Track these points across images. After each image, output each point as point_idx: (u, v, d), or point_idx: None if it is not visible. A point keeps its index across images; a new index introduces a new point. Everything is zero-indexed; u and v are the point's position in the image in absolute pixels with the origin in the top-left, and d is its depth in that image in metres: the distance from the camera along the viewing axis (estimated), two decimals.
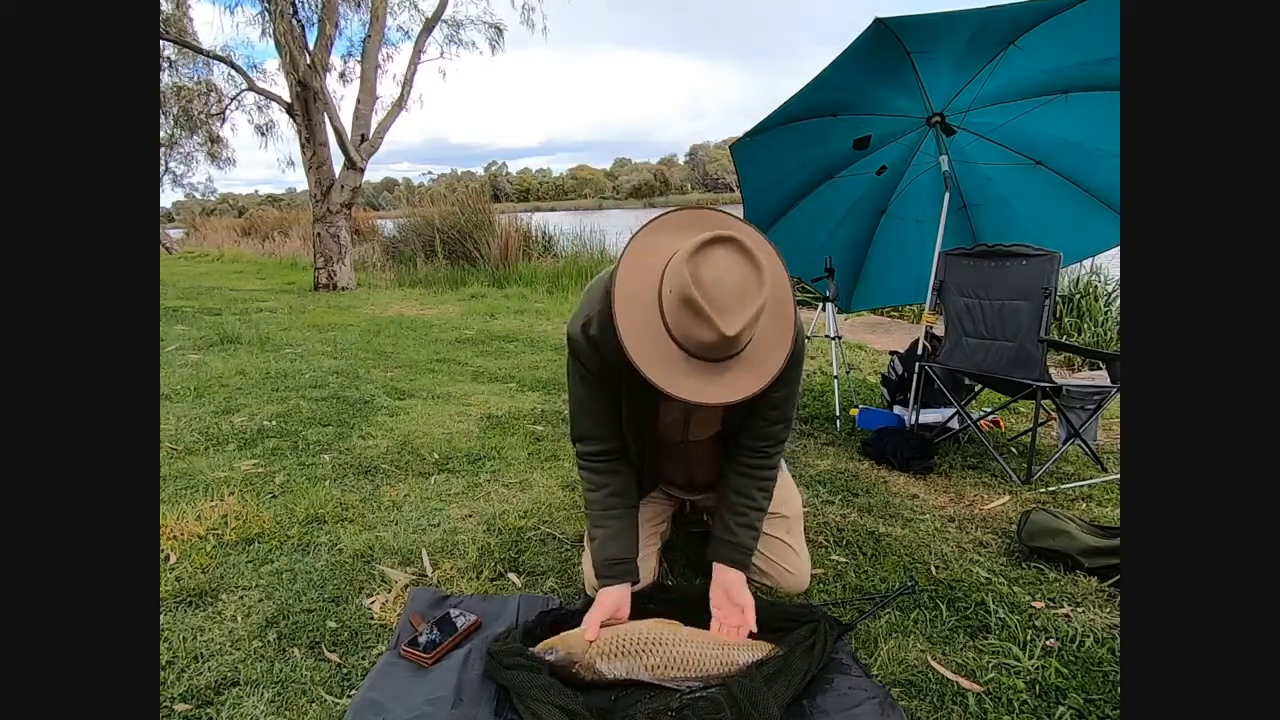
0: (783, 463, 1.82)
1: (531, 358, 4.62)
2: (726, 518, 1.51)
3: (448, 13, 9.42)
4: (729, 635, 1.40)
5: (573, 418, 1.53)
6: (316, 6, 8.80)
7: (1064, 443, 2.63)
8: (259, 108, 11.02)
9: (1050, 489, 2.40)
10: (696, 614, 1.46)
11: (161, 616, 1.54)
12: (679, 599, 1.56)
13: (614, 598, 1.43)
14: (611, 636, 1.34)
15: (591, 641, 1.34)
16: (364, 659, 1.42)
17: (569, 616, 1.47)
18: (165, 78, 10.85)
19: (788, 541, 1.67)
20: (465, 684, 1.33)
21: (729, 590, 1.46)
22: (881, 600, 1.63)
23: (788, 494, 1.75)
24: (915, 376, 2.97)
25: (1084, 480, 2.47)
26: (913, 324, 6.06)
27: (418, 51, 9.24)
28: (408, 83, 9.24)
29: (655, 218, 1.31)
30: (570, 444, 1.57)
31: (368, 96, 9.01)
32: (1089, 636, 1.47)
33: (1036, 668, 1.38)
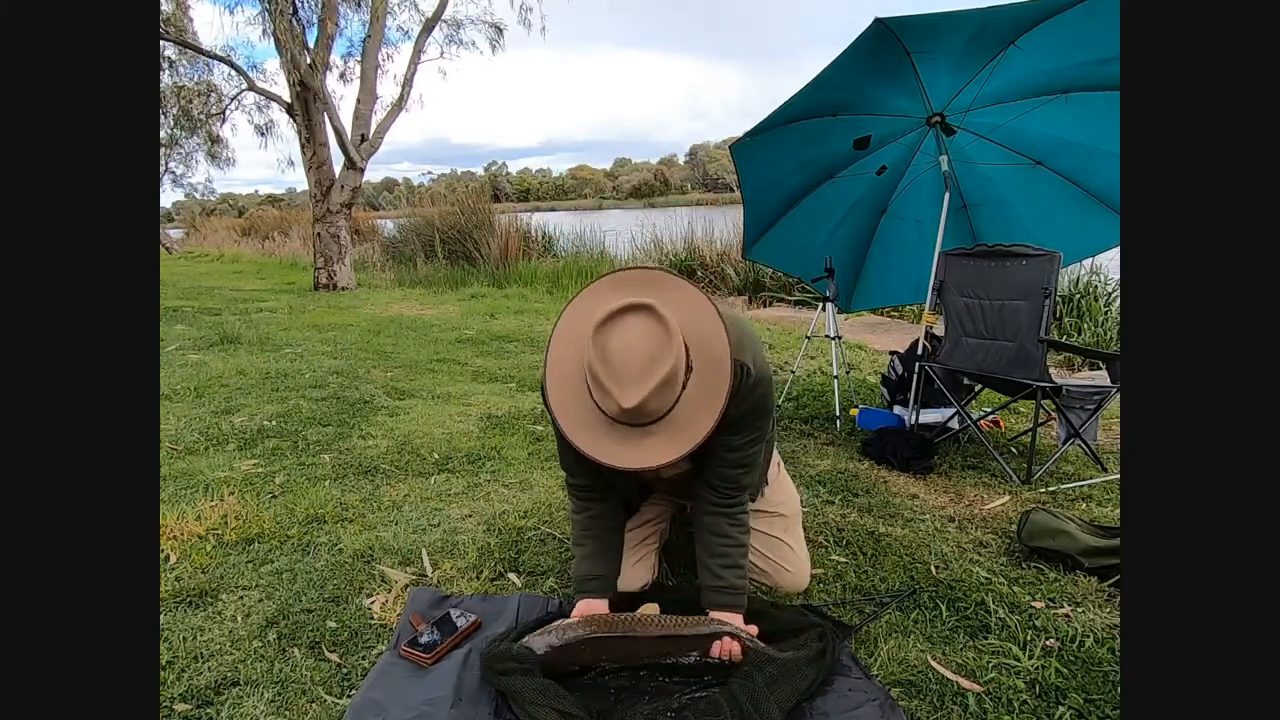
0: (781, 462, 1.82)
1: (531, 358, 4.62)
2: (709, 563, 1.46)
3: (448, 13, 9.42)
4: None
5: (560, 457, 1.54)
6: (316, 6, 8.80)
7: (1064, 443, 2.63)
8: (259, 108, 11.04)
9: (1050, 489, 2.40)
10: (696, 614, 1.46)
11: (161, 616, 1.54)
12: (679, 599, 1.56)
13: (591, 609, 1.45)
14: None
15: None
16: (364, 659, 1.42)
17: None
18: (165, 78, 10.86)
19: (786, 540, 1.67)
20: (465, 684, 1.33)
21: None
22: (881, 602, 1.63)
23: (786, 493, 1.75)
24: (915, 376, 2.97)
25: (1084, 480, 2.47)
26: (913, 324, 6.06)
27: (418, 51, 9.24)
28: (408, 83, 9.25)
29: (593, 281, 1.35)
30: None
31: (368, 96, 9.01)
32: (1089, 636, 1.47)
33: (1036, 668, 1.38)
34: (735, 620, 1.40)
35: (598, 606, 1.46)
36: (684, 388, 1.24)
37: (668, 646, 1.36)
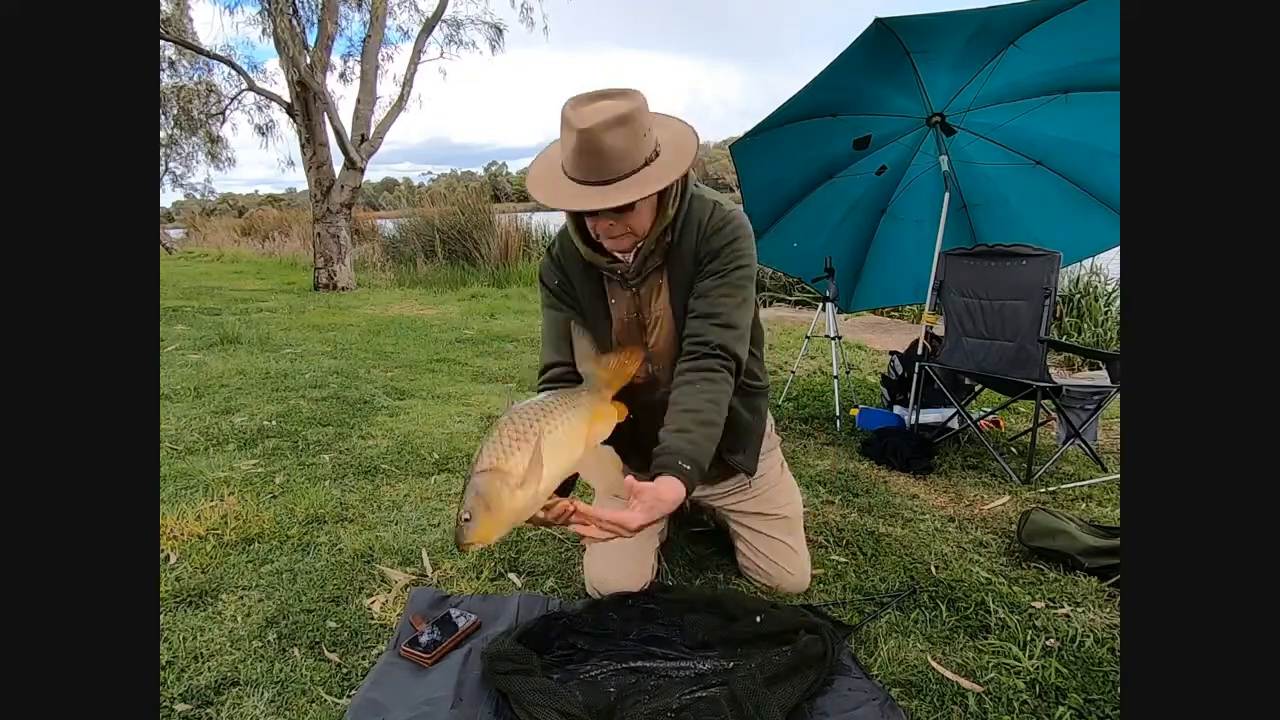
0: (784, 463, 1.82)
1: (532, 358, 4.62)
2: (664, 432, 1.27)
3: (448, 12, 9.43)
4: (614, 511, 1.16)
5: (541, 360, 1.54)
6: (316, 6, 8.80)
7: (1064, 443, 2.63)
8: (259, 108, 11.05)
9: (1050, 489, 2.40)
10: (698, 615, 1.46)
11: (161, 616, 1.54)
12: (679, 599, 1.56)
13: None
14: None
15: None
16: (364, 659, 1.42)
17: (568, 619, 1.47)
18: (165, 78, 10.86)
19: (788, 542, 1.67)
20: (465, 684, 1.33)
21: (652, 492, 1.18)
22: (881, 602, 1.63)
23: (788, 494, 1.74)
24: (915, 376, 2.97)
25: (1084, 480, 2.47)
26: (913, 324, 6.06)
27: (418, 51, 9.25)
28: (408, 83, 9.25)
29: None
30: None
31: (368, 96, 9.02)
32: (1089, 636, 1.47)
33: (1036, 668, 1.38)
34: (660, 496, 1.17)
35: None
36: (647, 164, 1.29)
37: None
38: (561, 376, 1.47)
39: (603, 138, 1.23)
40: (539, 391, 1.41)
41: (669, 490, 1.18)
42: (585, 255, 1.44)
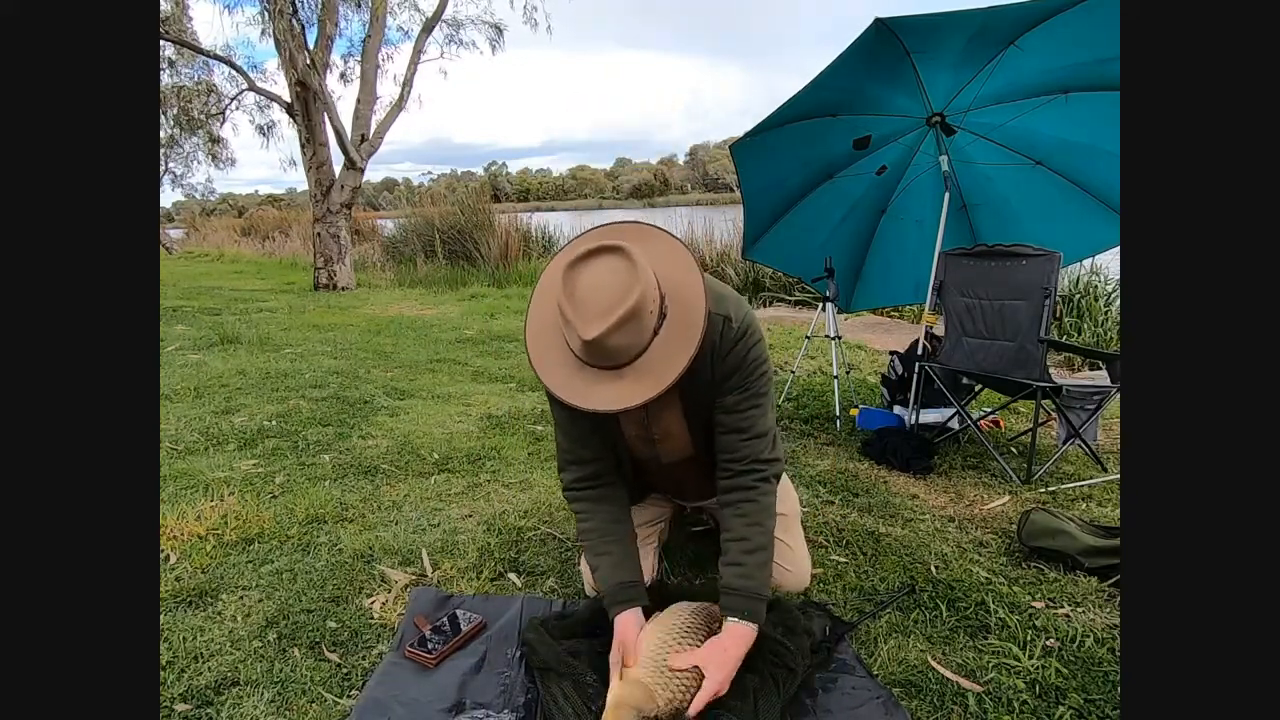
0: None
1: None
2: (721, 565, 1.39)
3: (448, 12, 9.43)
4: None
5: (558, 447, 1.51)
6: (316, 6, 8.80)
7: (1064, 443, 2.63)
8: (259, 108, 11.06)
9: (1050, 489, 2.40)
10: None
11: (161, 616, 1.54)
12: (679, 599, 1.56)
13: (633, 623, 1.35)
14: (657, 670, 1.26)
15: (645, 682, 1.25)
16: (364, 659, 1.42)
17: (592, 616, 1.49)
18: (165, 78, 10.86)
19: (785, 540, 1.66)
20: (469, 685, 1.34)
21: (713, 649, 1.29)
22: (881, 602, 1.63)
23: (784, 492, 1.74)
24: (915, 376, 2.97)
25: (1084, 480, 2.47)
26: (913, 324, 6.06)
27: (418, 51, 9.24)
28: (408, 83, 9.25)
29: (581, 234, 1.33)
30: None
31: (368, 96, 9.02)
32: (1089, 636, 1.47)
33: (1036, 668, 1.38)
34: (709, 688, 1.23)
35: (638, 620, 1.36)
36: (656, 334, 1.22)
37: None
38: (595, 475, 1.47)
39: (608, 340, 1.16)
40: (573, 489, 1.49)
41: (734, 645, 1.28)
42: None
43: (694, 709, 1.20)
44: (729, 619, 1.31)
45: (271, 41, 8.45)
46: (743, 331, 1.34)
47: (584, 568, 1.65)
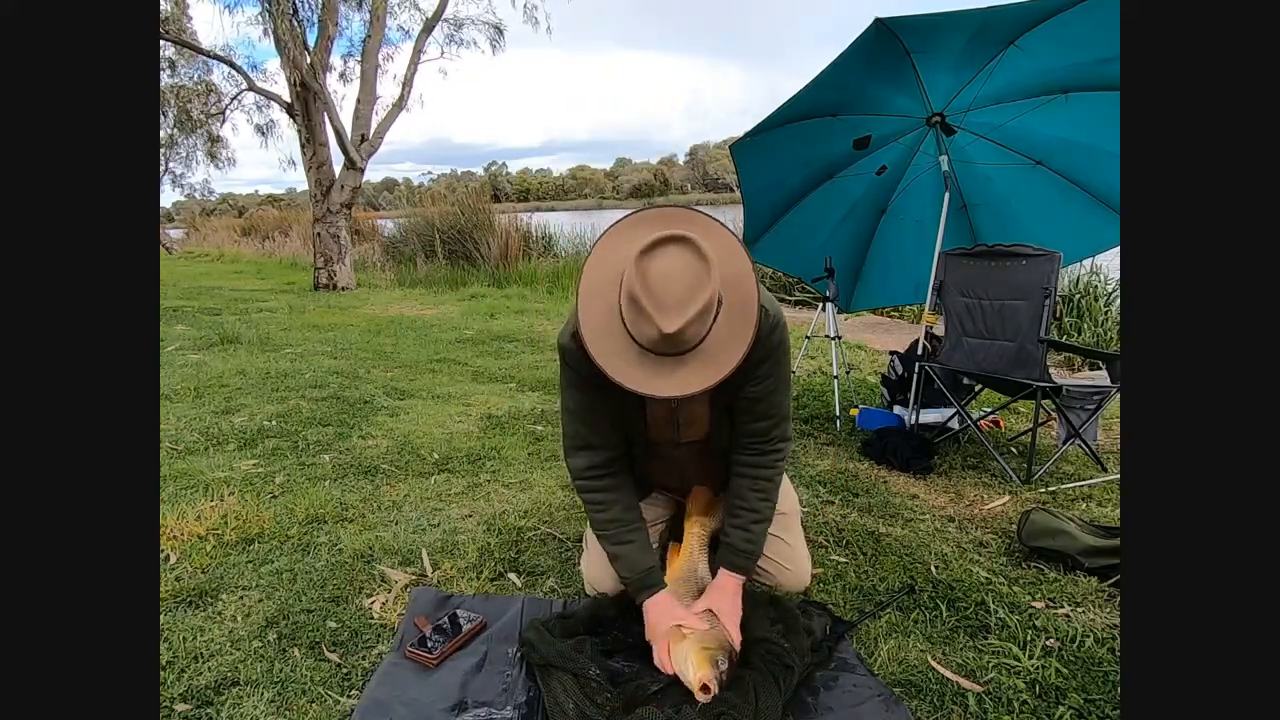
0: None
1: (531, 357, 4.62)
2: (727, 523, 1.52)
3: (448, 12, 9.43)
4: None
5: (567, 434, 1.52)
6: (317, 6, 8.81)
7: (1064, 443, 2.63)
8: (259, 108, 11.07)
9: (1050, 489, 2.40)
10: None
11: (161, 616, 1.54)
12: None
13: (669, 602, 1.44)
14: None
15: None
16: (364, 659, 1.42)
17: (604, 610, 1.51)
18: (165, 78, 10.87)
19: (785, 538, 1.67)
20: (470, 684, 1.34)
21: (717, 596, 1.46)
22: (881, 602, 1.63)
23: (783, 492, 1.74)
24: (915, 376, 2.97)
25: (1084, 480, 2.47)
26: (913, 324, 6.06)
27: (418, 51, 9.25)
28: (408, 83, 9.25)
29: (625, 215, 1.34)
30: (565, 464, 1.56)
31: (368, 96, 9.02)
32: (1089, 636, 1.47)
33: (1036, 668, 1.38)
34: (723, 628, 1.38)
35: (670, 602, 1.44)
36: (714, 320, 1.25)
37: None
38: (608, 462, 1.50)
39: (686, 332, 1.19)
40: (584, 478, 1.51)
41: (734, 587, 1.47)
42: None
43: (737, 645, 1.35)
44: (724, 570, 1.48)
45: (271, 41, 8.45)
46: (775, 321, 1.40)
47: (586, 566, 1.65)
